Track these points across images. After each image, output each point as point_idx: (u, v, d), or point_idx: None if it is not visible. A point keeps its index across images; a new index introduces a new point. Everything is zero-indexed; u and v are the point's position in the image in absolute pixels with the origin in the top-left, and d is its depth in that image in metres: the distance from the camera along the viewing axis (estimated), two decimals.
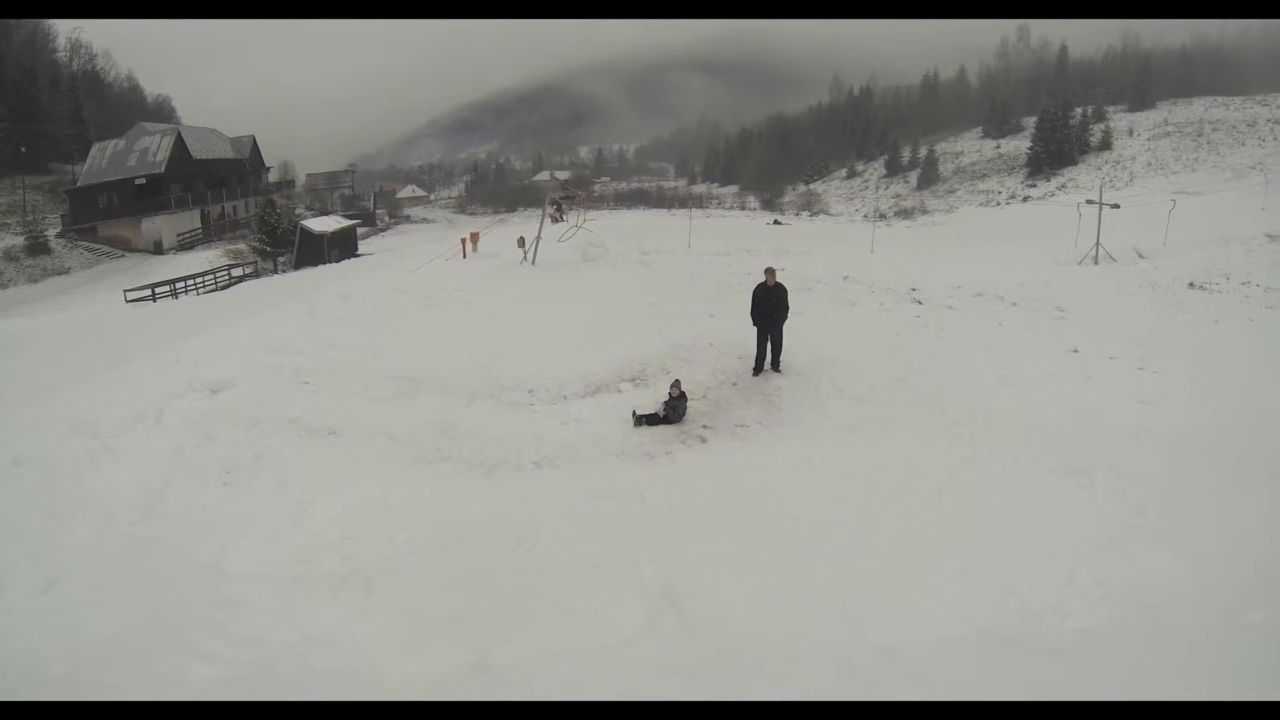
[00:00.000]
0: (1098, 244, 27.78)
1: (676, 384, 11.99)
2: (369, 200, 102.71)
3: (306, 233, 46.79)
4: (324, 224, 49.68)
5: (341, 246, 48.51)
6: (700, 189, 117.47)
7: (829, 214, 65.02)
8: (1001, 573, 7.53)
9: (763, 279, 13.73)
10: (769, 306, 13.39)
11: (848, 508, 8.98)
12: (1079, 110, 74.91)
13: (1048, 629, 6.71)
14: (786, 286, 13.87)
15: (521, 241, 24.94)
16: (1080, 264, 26.92)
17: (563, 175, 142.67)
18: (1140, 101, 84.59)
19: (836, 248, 32.37)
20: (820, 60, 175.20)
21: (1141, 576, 7.38)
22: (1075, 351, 14.99)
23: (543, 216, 26.67)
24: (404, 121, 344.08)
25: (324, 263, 43.32)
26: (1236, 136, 60.70)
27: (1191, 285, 23.39)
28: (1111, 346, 15.36)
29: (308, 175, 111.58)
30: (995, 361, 14.28)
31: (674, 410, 11.69)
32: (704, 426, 11.66)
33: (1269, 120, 63.32)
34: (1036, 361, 14.30)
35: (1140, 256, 27.81)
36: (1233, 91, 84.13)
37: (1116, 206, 30.83)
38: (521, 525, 8.83)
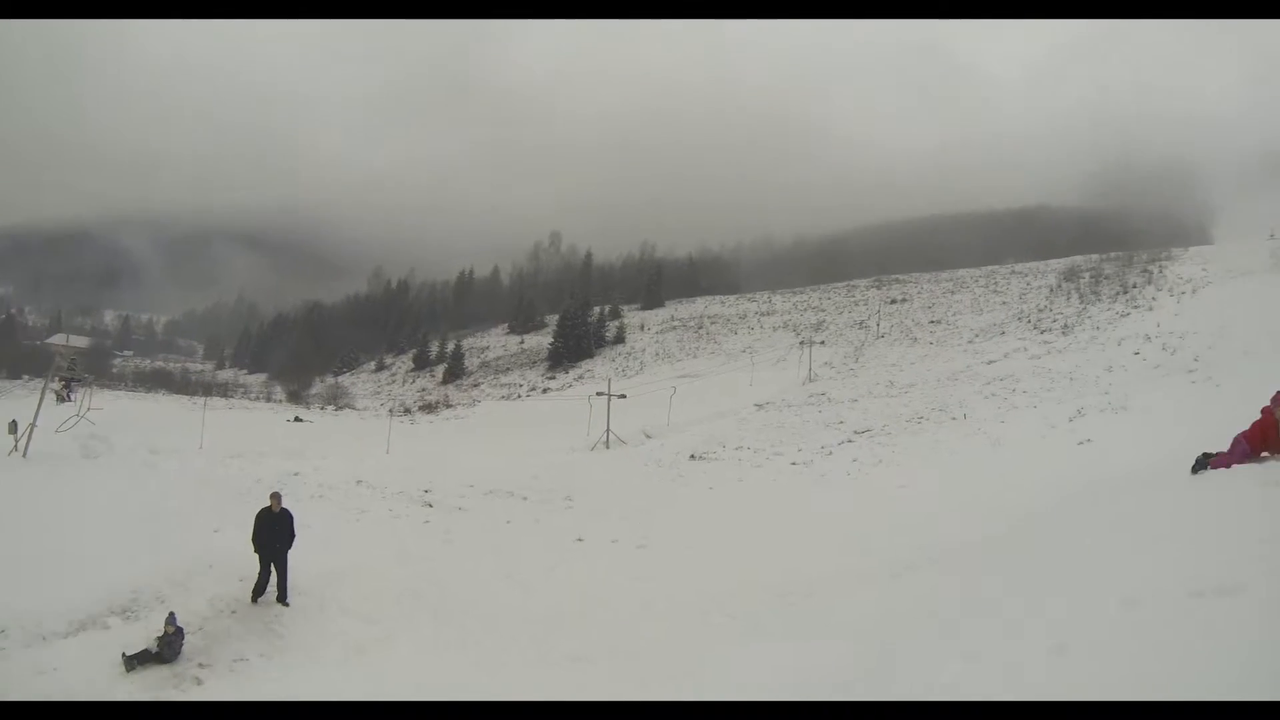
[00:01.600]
0: (608, 430, 30.05)
1: (171, 618, 10.58)
2: None
3: None
4: None
5: None
6: (228, 374, 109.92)
7: (354, 408, 63.41)
8: None
9: (268, 503, 12.86)
10: (271, 535, 12.34)
11: None
12: (598, 309, 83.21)
13: None
14: (293, 511, 12.97)
15: (13, 426, 20.90)
16: (593, 450, 28.85)
17: (80, 342, 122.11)
18: (652, 301, 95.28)
19: (355, 445, 31.63)
20: (365, 249, 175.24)
21: None
22: (580, 540, 15.57)
23: (43, 395, 22.92)
24: None
25: None
26: (730, 327, 70.76)
27: (693, 457, 26.01)
28: (615, 529, 16.25)
29: None
30: (501, 560, 14.33)
31: (169, 648, 10.26)
32: (200, 665, 10.23)
33: (755, 313, 75.01)
34: (542, 555, 14.57)
35: (647, 437, 30.47)
36: (729, 291, 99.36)
37: (623, 396, 33.77)
38: None
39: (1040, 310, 53.42)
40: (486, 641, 10.61)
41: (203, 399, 47.78)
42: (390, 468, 23.79)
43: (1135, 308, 47.13)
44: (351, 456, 26.57)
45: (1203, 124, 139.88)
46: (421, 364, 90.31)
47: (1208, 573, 5.49)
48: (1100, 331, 43.32)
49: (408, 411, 59.10)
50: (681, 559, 14.23)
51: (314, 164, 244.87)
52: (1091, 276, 60.02)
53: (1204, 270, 52.23)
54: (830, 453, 26.07)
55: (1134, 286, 52.84)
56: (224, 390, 72.60)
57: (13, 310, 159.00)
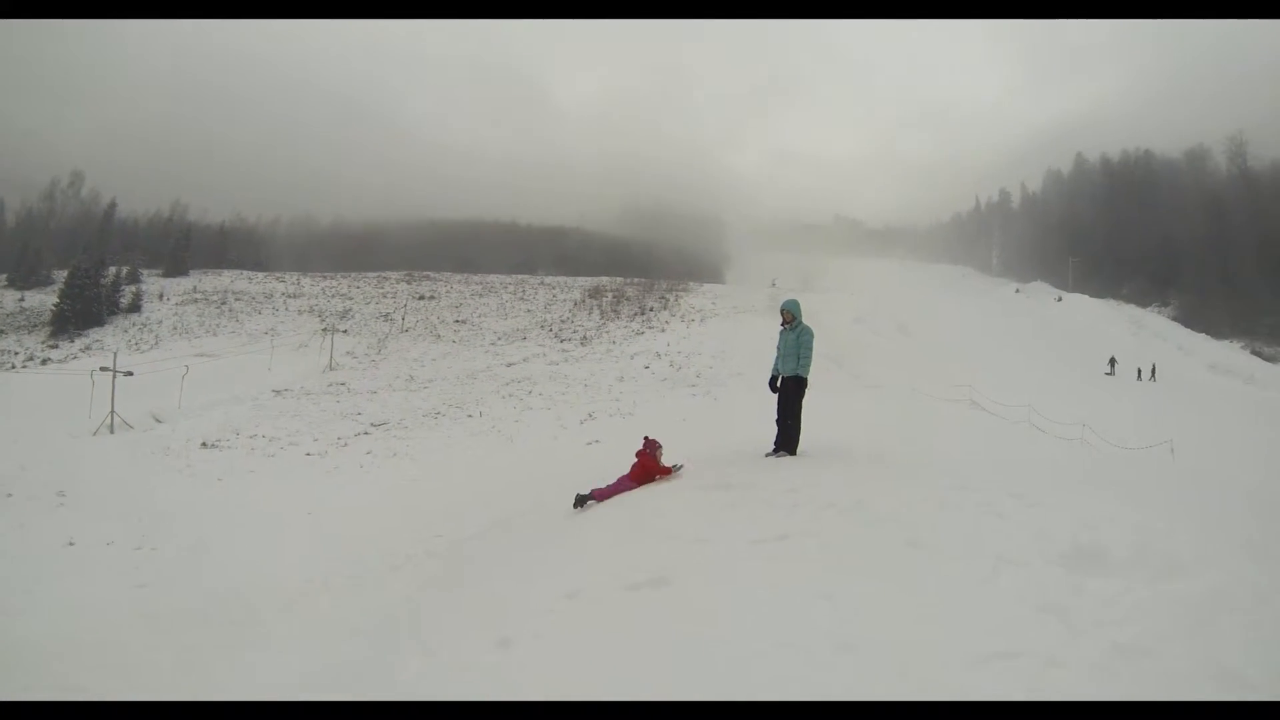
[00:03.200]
0: (113, 412, 27.38)
1: None
2: None
3: None
4: None
5: None
6: None
7: None
8: None
9: None
10: None
11: None
12: (114, 269, 72.69)
13: None
14: None
15: None
16: (95, 434, 26.13)
17: None
18: (176, 268, 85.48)
19: None
20: None
21: None
22: (71, 544, 14.05)
23: None
24: None
25: None
26: (255, 306, 66.24)
27: (204, 445, 24.61)
28: (112, 529, 14.85)
29: None
30: None
31: None
32: None
33: (283, 294, 70.94)
34: (25, 566, 12.76)
35: (157, 421, 28.24)
36: (258, 268, 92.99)
37: (130, 374, 30.74)
38: None
39: (563, 321, 57.26)
40: None
41: None
42: None
43: (650, 328, 52.59)
44: None
45: (731, 185, 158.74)
46: None
47: (644, 568, 6.11)
48: (616, 345, 47.65)
49: None
50: (184, 561, 13.45)
51: None
52: (614, 296, 65.66)
53: (713, 304, 59.71)
54: (346, 444, 26.03)
55: (651, 309, 58.81)
56: None
57: None
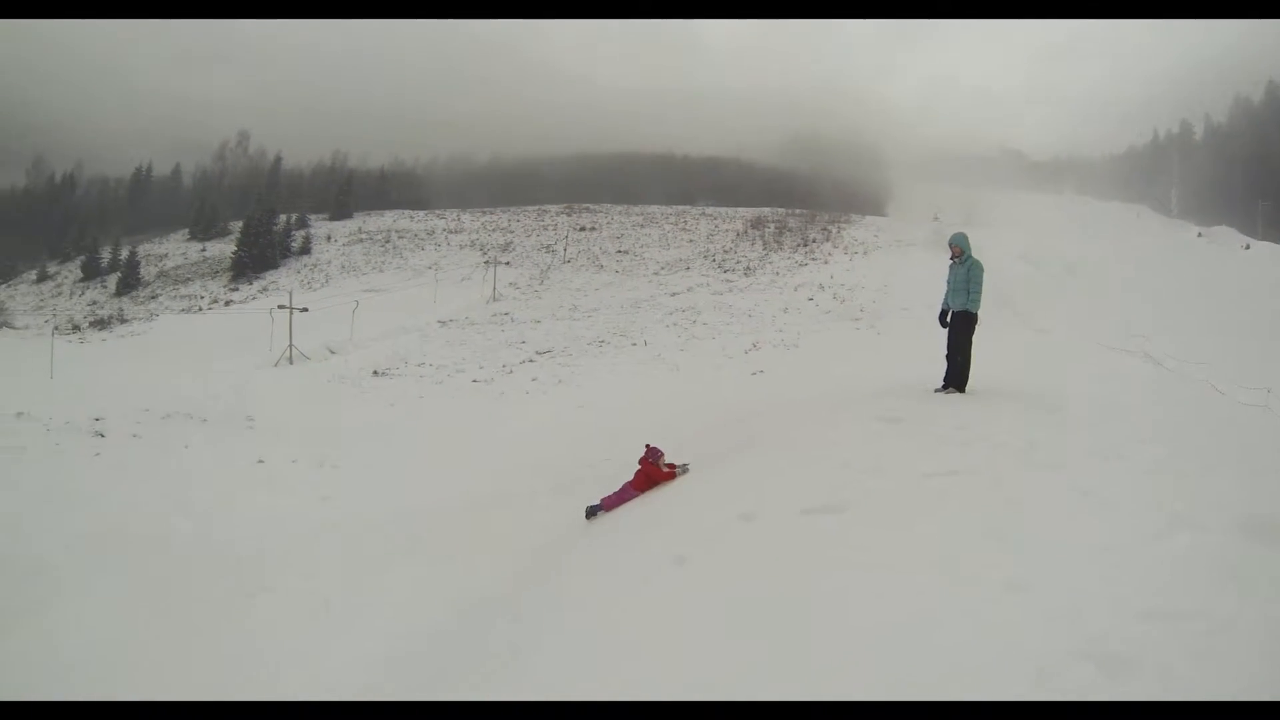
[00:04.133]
0: (291, 345, 28.82)
1: None
2: None
3: None
4: None
5: None
6: None
7: (13, 327, 53.94)
8: None
9: None
10: None
11: None
12: (284, 217, 76.51)
13: None
14: None
15: None
16: (276, 366, 27.56)
17: None
18: (340, 212, 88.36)
19: (14, 370, 27.67)
20: (22, 132, 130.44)
21: None
22: (261, 462, 14.96)
23: None
24: None
25: None
26: (418, 243, 68.30)
27: (375, 373, 25.64)
28: (296, 450, 15.70)
29: None
30: (176, 491, 13.17)
31: None
32: None
33: (444, 230, 72.83)
34: (222, 482, 13.65)
35: (331, 352, 29.53)
36: (418, 206, 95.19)
37: (305, 310, 32.18)
38: None
39: (725, 251, 56.42)
40: (169, 582, 9.52)
41: None
42: (54, 394, 21.27)
43: (813, 259, 51.22)
44: (7, 384, 23.08)
45: (888, 114, 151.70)
46: (91, 273, 77.21)
47: (818, 495, 6.13)
48: (779, 277, 46.64)
49: (76, 329, 52.05)
50: (361, 478, 14.09)
51: None
52: (776, 227, 64.33)
53: (876, 236, 57.84)
54: (511, 371, 26.51)
55: (814, 241, 57.36)
56: None
57: None
